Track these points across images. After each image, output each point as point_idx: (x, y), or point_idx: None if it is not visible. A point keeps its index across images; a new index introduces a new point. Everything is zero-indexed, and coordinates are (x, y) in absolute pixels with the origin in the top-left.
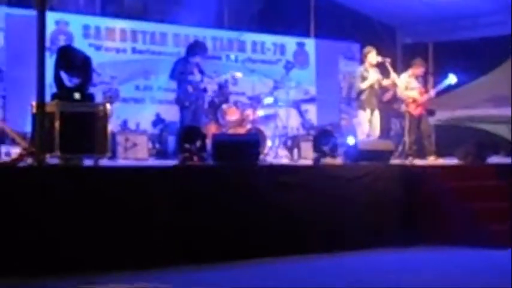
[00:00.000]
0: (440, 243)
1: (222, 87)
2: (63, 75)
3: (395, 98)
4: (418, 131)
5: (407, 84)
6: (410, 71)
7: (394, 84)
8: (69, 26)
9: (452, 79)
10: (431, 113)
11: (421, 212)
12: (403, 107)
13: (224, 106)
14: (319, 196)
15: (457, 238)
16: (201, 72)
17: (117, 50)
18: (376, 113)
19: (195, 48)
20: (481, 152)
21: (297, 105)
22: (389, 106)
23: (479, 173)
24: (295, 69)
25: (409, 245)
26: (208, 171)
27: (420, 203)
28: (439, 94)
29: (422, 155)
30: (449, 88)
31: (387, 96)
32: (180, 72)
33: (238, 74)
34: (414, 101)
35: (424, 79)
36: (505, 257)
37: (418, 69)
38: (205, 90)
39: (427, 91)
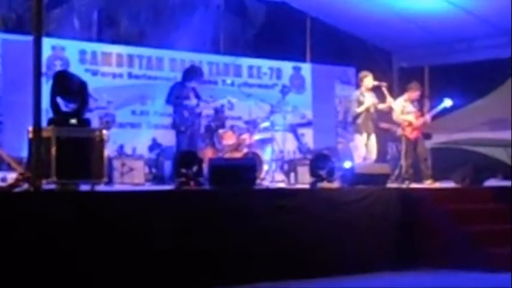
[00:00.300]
0: (438, 266)
1: (218, 111)
2: (60, 100)
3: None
4: (414, 155)
5: (403, 108)
6: (406, 95)
7: (390, 108)
8: (66, 51)
9: (447, 103)
10: (427, 136)
11: (418, 236)
12: (399, 131)
13: (220, 130)
14: (317, 220)
15: (455, 261)
16: (197, 96)
17: (114, 75)
18: (373, 136)
19: (191, 73)
20: (478, 175)
21: (293, 129)
22: (385, 130)
23: (476, 196)
24: (292, 94)
25: (407, 269)
26: (205, 195)
27: (418, 226)
28: (435, 118)
29: (418, 178)
30: (446, 111)
31: (384, 126)
32: (176, 96)
33: (234, 99)
34: (410, 124)
35: (420, 103)
36: (504, 281)
37: (414, 93)
38: (199, 114)
39: (423, 115)
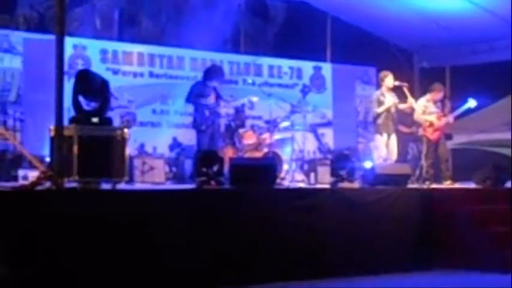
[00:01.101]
0: (458, 267)
1: (238, 111)
2: (81, 99)
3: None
4: (435, 156)
5: (425, 109)
6: (428, 96)
7: (411, 109)
8: (87, 50)
9: (471, 103)
10: (449, 137)
11: (438, 236)
12: (420, 131)
13: (241, 130)
14: (337, 220)
15: (475, 262)
16: (218, 96)
17: (135, 74)
18: (393, 137)
19: (213, 72)
20: (499, 176)
21: (313, 129)
22: (405, 134)
23: (497, 197)
24: (312, 93)
25: (427, 269)
26: (226, 195)
27: (438, 226)
28: (456, 118)
29: (439, 179)
30: (467, 112)
31: (404, 130)
32: (196, 95)
33: (255, 99)
34: (431, 125)
35: (441, 104)
36: None
37: (437, 94)
38: (219, 114)
39: (445, 115)
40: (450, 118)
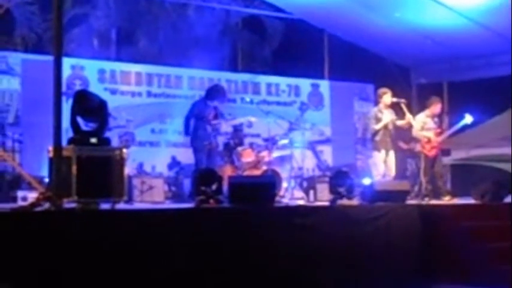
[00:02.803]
0: (457, 283)
1: (237, 130)
2: (80, 119)
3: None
4: (431, 172)
5: (424, 125)
6: (427, 111)
7: (409, 125)
8: (85, 70)
9: (468, 119)
10: (446, 152)
11: (438, 252)
12: (418, 147)
13: (239, 148)
14: (336, 237)
15: (474, 278)
16: (218, 115)
17: (133, 94)
18: (391, 153)
19: (215, 92)
20: (498, 192)
21: (312, 146)
22: (404, 150)
23: (496, 212)
24: (310, 111)
25: (427, 286)
26: (225, 213)
27: (437, 243)
28: (454, 134)
29: (437, 195)
30: (465, 127)
31: (403, 146)
32: (196, 113)
33: (253, 119)
34: (429, 141)
35: (439, 119)
36: None
37: (436, 108)
38: (218, 132)
39: (442, 132)
40: (446, 135)
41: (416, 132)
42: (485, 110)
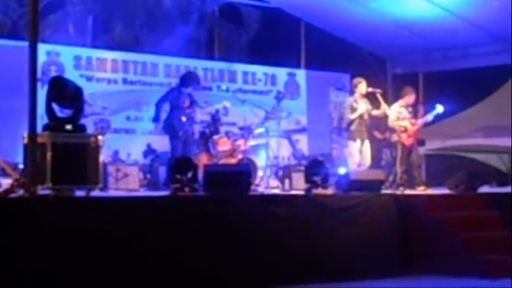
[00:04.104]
0: (431, 272)
1: (215, 119)
2: (55, 106)
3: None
4: (408, 161)
5: (399, 115)
6: (401, 101)
7: (385, 115)
8: (60, 56)
9: (439, 109)
10: (421, 142)
11: (413, 242)
12: (394, 137)
13: (215, 136)
14: (311, 226)
15: (448, 268)
16: (193, 102)
17: (109, 81)
18: (366, 143)
19: (189, 79)
20: (472, 182)
21: (288, 135)
22: (379, 140)
23: (470, 202)
24: (286, 100)
25: (401, 275)
26: (200, 201)
27: (412, 232)
28: (428, 124)
29: (412, 185)
30: (440, 118)
31: (378, 135)
32: (171, 101)
33: (227, 103)
34: (405, 130)
35: (414, 109)
36: (498, 287)
37: (410, 98)
38: (193, 120)
39: (416, 121)
40: (419, 123)
41: (392, 122)
42: (460, 100)
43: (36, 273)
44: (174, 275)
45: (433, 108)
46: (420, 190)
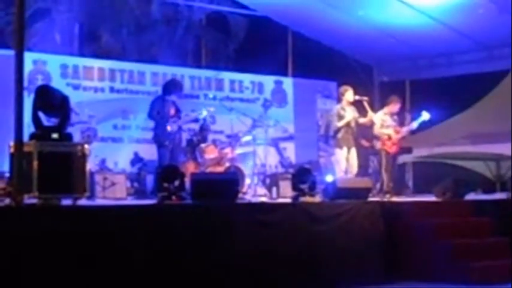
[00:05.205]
0: (419, 279)
1: (203, 128)
2: (41, 114)
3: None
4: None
5: (383, 122)
6: (386, 109)
7: (372, 122)
8: (47, 65)
9: (425, 116)
10: (408, 150)
11: (400, 249)
12: (378, 145)
13: (202, 145)
14: (298, 234)
15: (435, 275)
16: (178, 110)
17: (95, 89)
18: (353, 150)
19: (171, 86)
20: (459, 189)
21: (275, 143)
22: (366, 147)
23: (457, 210)
24: (273, 108)
25: (389, 282)
26: (187, 210)
27: (399, 239)
28: (415, 132)
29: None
30: (427, 125)
31: (364, 143)
32: (157, 111)
33: (212, 108)
34: (390, 138)
35: (400, 117)
36: None
37: (394, 107)
38: (181, 128)
39: (401, 129)
40: (404, 131)
41: (377, 129)
42: (447, 108)
43: (22, 283)
44: (161, 283)
45: (419, 115)
46: (387, 197)
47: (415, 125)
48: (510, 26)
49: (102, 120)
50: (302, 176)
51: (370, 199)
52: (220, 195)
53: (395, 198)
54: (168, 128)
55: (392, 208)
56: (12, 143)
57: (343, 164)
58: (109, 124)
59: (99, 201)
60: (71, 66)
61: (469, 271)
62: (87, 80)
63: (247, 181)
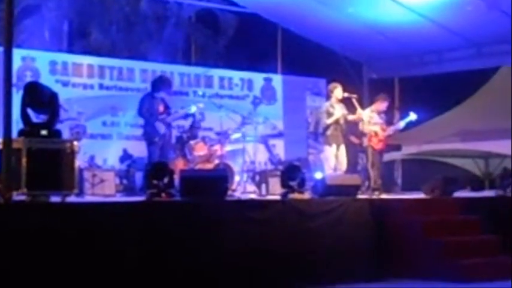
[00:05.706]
0: (408, 277)
1: (192, 126)
2: (30, 111)
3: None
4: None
5: (370, 119)
6: (373, 106)
7: (360, 120)
8: (36, 62)
9: (412, 116)
10: (397, 147)
11: (389, 246)
12: (365, 141)
13: (192, 142)
14: (287, 231)
15: (424, 272)
16: (167, 107)
17: (84, 86)
18: (342, 147)
19: (159, 83)
20: (447, 187)
21: (264, 140)
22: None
23: (445, 207)
24: (263, 105)
25: (377, 279)
26: (176, 207)
27: (388, 237)
28: (403, 129)
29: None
30: (416, 123)
31: (353, 140)
32: (147, 108)
33: (201, 105)
34: (376, 135)
35: (389, 114)
36: None
37: (382, 105)
38: (170, 125)
39: (389, 126)
40: (390, 131)
41: (363, 126)
42: (436, 105)
43: (11, 280)
44: (151, 280)
45: (407, 115)
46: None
47: (401, 124)
48: (499, 22)
49: (91, 117)
50: (291, 173)
51: (359, 196)
52: (209, 192)
53: (384, 196)
54: (157, 124)
55: (381, 205)
56: (0, 140)
57: (332, 161)
58: (98, 121)
59: (88, 198)
60: (60, 63)
61: (458, 268)
62: (76, 77)
63: (237, 178)
